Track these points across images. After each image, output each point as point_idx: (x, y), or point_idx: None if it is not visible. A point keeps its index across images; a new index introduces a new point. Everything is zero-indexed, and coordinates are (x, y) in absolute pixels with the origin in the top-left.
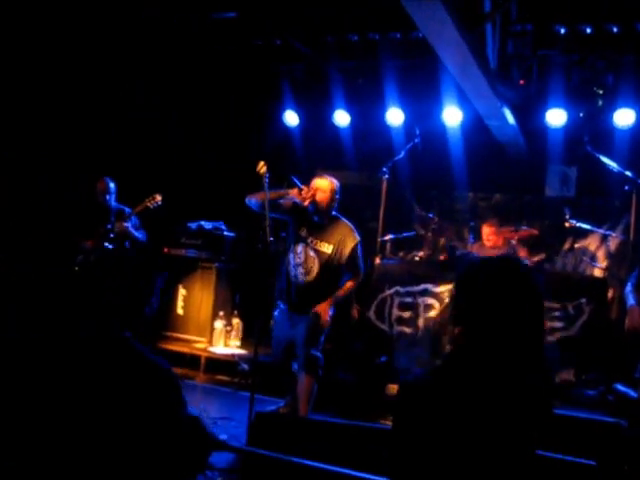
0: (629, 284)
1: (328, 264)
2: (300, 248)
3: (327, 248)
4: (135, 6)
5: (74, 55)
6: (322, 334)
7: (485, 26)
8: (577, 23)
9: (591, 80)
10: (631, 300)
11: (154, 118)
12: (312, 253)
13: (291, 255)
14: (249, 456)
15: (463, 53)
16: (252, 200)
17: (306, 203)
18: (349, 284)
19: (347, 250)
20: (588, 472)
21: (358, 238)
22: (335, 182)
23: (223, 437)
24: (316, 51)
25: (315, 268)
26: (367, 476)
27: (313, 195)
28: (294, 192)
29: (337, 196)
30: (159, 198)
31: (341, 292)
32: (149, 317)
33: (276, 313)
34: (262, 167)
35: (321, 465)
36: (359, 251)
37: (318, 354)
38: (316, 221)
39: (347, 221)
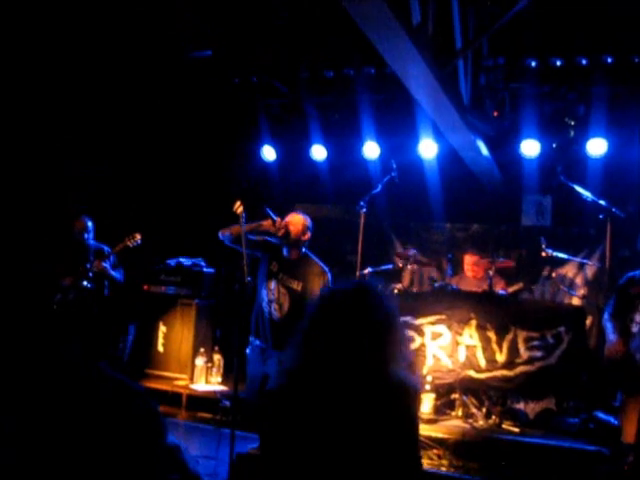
0: (606, 313)
1: (299, 300)
2: (273, 284)
3: (297, 285)
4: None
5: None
6: None
7: (457, 62)
8: (547, 56)
9: (563, 111)
10: (610, 329)
11: (134, 155)
12: (283, 289)
13: (264, 292)
14: None
15: (435, 90)
16: (226, 234)
17: (280, 233)
18: None
19: (316, 287)
20: None
21: (328, 275)
22: (307, 219)
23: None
24: (292, 87)
25: (286, 304)
26: None
27: (286, 226)
28: (268, 223)
29: (309, 232)
30: (139, 237)
31: None
32: (121, 359)
33: (248, 351)
34: (239, 207)
35: None
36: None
37: None
38: (286, 256)
39: (317, 259)
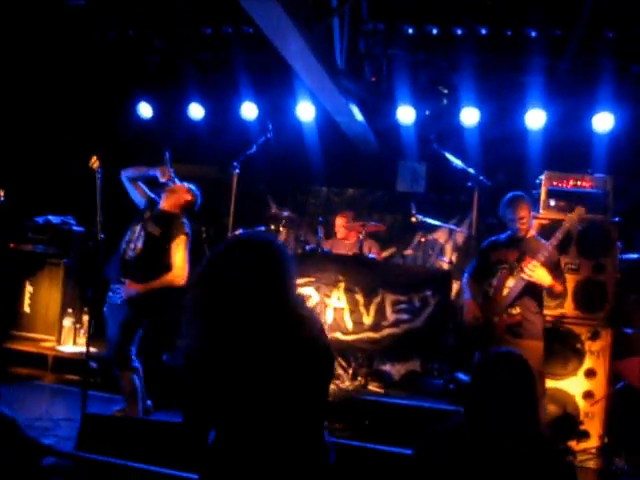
0: (466, 275)
1: (152, 245)
2: (138, 227)
3: (156, 231)
4: None
5: None
6: (134, 330)
7: (332, 24)
8: (424, 24)
9: (437, 79)
10: (467, 293)
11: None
12: (144, 232)
13: (128, 233)
14: (77, 460)
15: (303, 51)
16: (129, 170)
17: (164, 179)
18: (165, 276)
19: (172, 241)
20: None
21: (187, 233)
22: (197, 192)
23: (48, 441)
24: (170, 43)
25: (140, 245)
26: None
27: (174, 180)
28: (162, 169)
29: (192, 197)
30: (1, 194)
31: (155, 283)
32: None
33: (105, 309)
34: (94, 162)
35: (149, 467)
36: (182, 247)
37: (127, 349)
38: (160, 207)
39: (186, 221)
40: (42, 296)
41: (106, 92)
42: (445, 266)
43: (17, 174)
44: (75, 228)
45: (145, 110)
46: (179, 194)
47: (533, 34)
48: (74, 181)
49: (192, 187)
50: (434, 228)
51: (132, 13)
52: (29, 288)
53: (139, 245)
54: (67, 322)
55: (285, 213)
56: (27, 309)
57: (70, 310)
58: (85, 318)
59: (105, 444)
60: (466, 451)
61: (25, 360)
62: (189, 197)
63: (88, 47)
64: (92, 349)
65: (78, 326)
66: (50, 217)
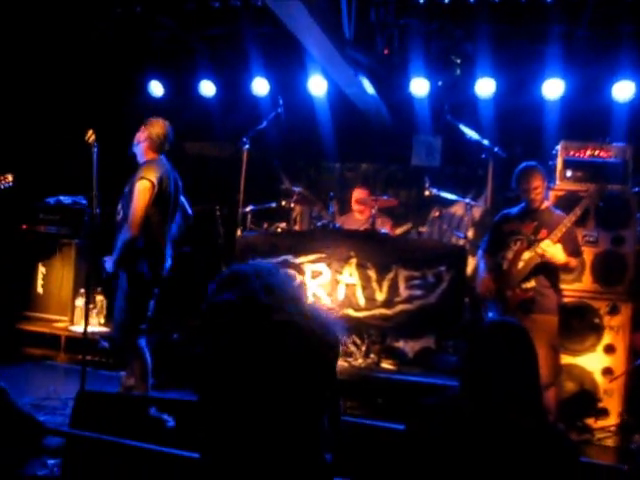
0: (480, 249)
1: (125, 203)
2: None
3: (129, 187)
4: None
5: None
6: (126, 305)
7: None
8: None
9: (450, 49)
10: (481, 267)
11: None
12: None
13: None
14: (71, 438)
15: (307, 21)
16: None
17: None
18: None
19: (134, 191)
20: None
21: (145, 178)
22: (157, 123)
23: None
24: (178, 19)
25: (120, 209)
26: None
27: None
28: None
29: (154, 134)
30: (10, 178)
31: (120, 247)
32: None
33: None
34: (91, 136)
35: (144, 445)
36: (139, 194)
37: (124, 324)
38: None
39: (156, 168)
40: (55, 277)
41: (115, 71)
42: (460, 242)
43: (27, 156)
44: (87, 208)
45: (156, 88)
46: (140, 140)
47: None
48: (84, 161)
49: (154, 118)
50: (450, 202)
51: None
52: (42, 269)
53: (120, 210)
54: (80, 302)
55: (297, 189)
56: (40, 290)
57: (82, 290)
58: (99, 298)
59: (100, 421)
60: (466, 423)
61: (38, 340)
62: (148, 132)
63: (95, 25)
64: (105, 329)
65: (91, 306)
66: (61, 198)
